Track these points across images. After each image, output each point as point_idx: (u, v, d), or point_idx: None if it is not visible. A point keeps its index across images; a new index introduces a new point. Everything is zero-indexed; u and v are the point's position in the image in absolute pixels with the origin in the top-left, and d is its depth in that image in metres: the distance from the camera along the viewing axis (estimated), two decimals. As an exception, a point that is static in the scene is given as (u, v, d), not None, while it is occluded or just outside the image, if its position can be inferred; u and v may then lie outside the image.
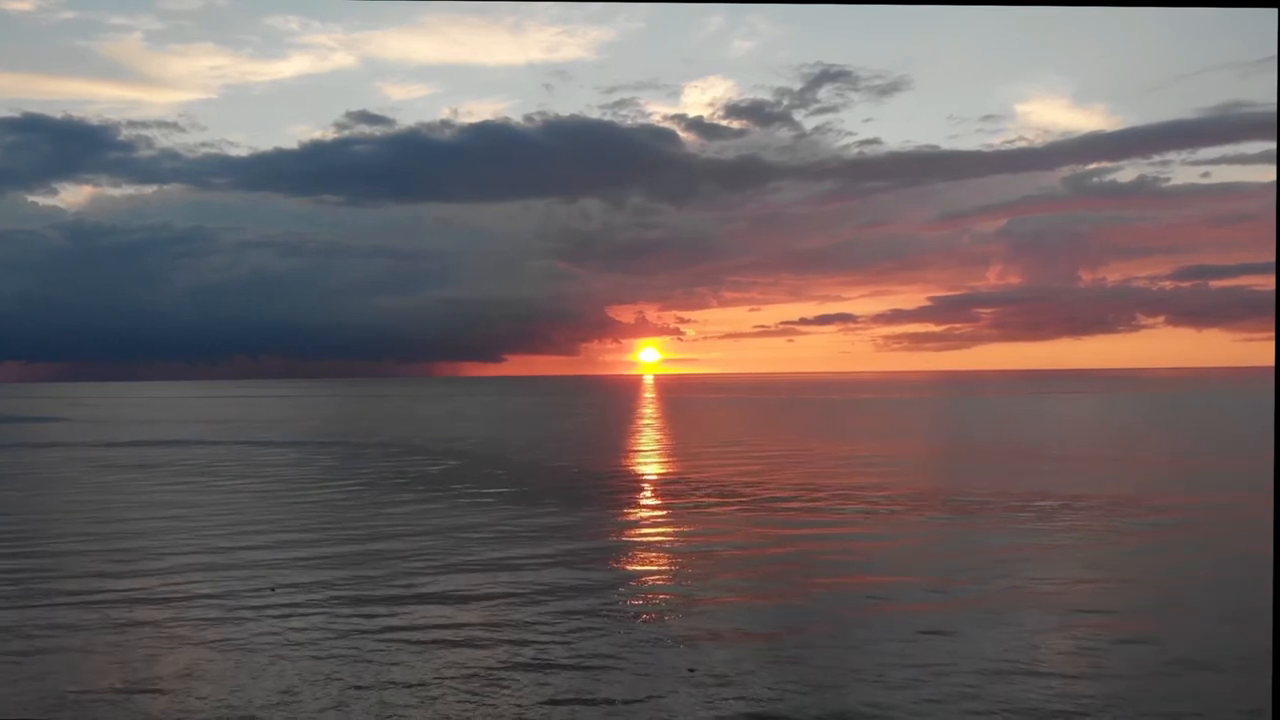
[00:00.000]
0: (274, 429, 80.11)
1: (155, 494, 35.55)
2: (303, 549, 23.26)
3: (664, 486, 36.33)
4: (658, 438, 64.11)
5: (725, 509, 29.54)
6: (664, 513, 29.59)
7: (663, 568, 21.18)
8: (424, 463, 46.16)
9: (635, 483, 37.45)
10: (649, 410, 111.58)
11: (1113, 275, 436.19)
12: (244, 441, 65.33)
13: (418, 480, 38.56)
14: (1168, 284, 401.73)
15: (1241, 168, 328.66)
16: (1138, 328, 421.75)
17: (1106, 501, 29.98)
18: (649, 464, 45.84)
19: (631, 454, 51.72)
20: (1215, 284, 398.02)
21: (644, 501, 32.19)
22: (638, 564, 21.56)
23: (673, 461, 47.05)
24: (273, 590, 19.44)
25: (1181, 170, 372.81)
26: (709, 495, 32.67)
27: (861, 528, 25.80)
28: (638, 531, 26.03)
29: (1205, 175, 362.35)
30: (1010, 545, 23.04)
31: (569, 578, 19.57)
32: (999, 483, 34.49)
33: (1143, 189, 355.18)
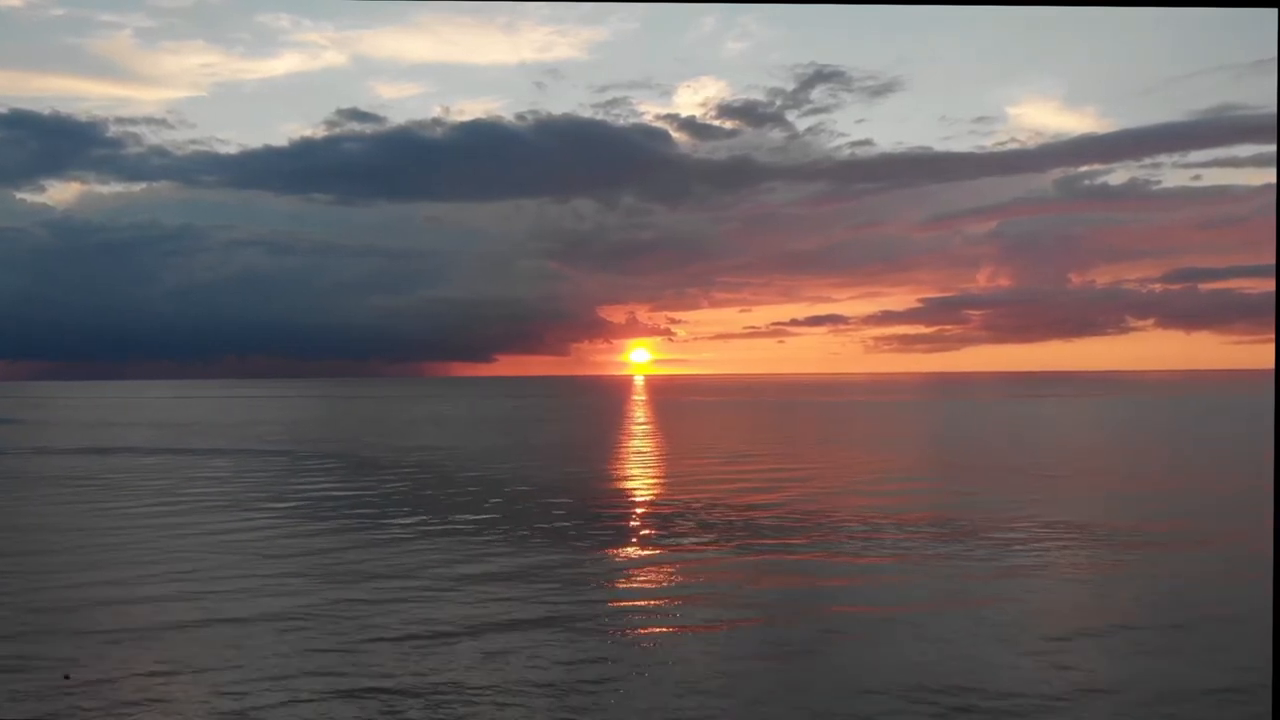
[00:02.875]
0: (229, 434, 73.54)
1: (21, 524, 29.01)
2: (124, 648, 16.75)
3: (646, 519, 29.82)
4: (645, 449, 57.58)
5: (723, 557, 23.06)
6: (640, 570, 23.05)
7: (613, 698, 14.73)
8: (368, 480, 39.63)
9: (613, 513, 30.89)
10: (638, 415, 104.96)
11: (1103, 277, 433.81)
12: (187, 449, 58.99)
13: (350, 506, 32.04)
14: (1157, 286, 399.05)
15: (1233, 170, 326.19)
16: (1127, 330, 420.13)
17: (1195, 544, 23.62)
18: (633, 485, 39.34)
19: (614, 471, 45.25)
20: (1205, 287, 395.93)
21: (617, 544, 25.59)
22: (576, 699, 15.07)
23: (661, 481, 40.58)
24: (66, 678, 13.62)
25: (1172, 173, 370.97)
26: (703, 533, 26.15)
27: (908, 605, 19.36)
28: (594, 610, 19.55)
29: (1196, 178, 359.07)
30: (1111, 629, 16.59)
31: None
32: (1048, 510, 28.02)
33: (1133, 191, 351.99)
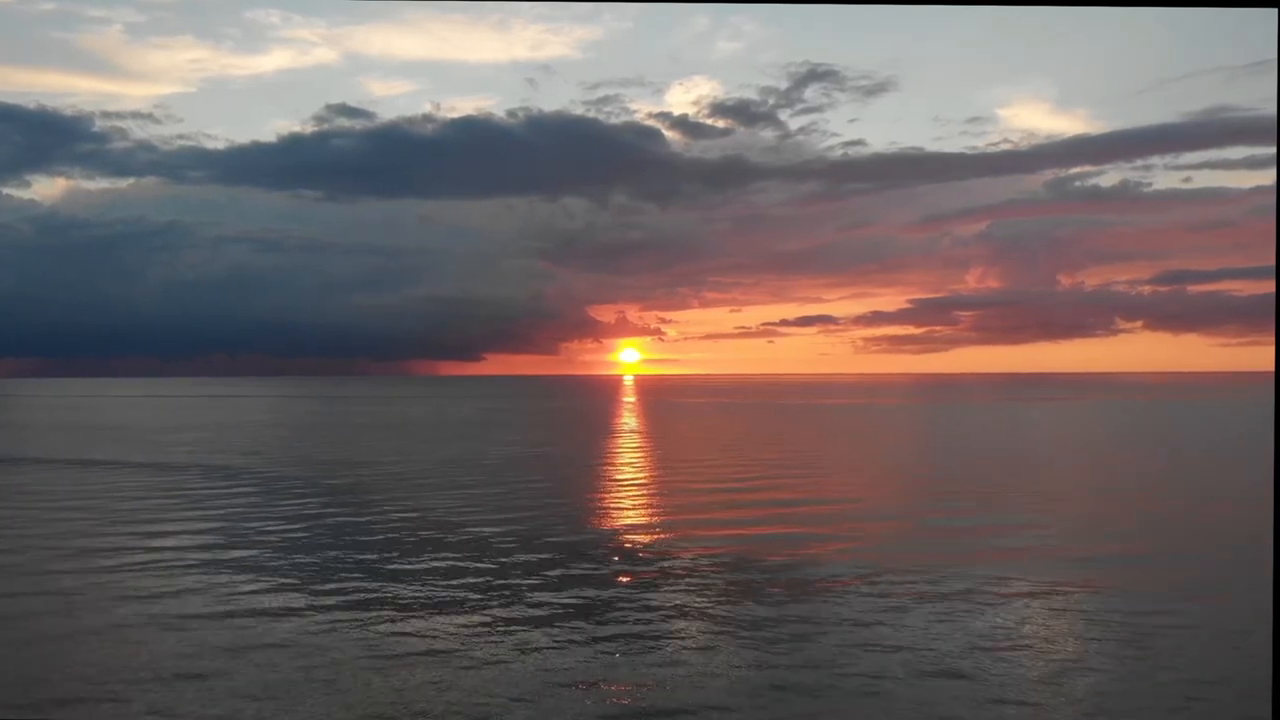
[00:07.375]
0: (151, 441, 64.17)
1: None
2: None
3: (614, 583, 20.58)
4: (625, 470, 48.35)
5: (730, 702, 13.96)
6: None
7: None
8: (256, 516, 30.40)
9: (567, 572, 21.64)
10: (623, 422, 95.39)
11: (1092, 279, 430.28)
12: (85, 460, 50.05)
13: (217, 567, 22.84)
14: (1147, 289, 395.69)
15: (1224, 172, 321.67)
16: (1116, 332, 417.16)
17: None
18: (603, 524, 30.22)
19: (579, 505, 36.09)
20: (1194, 289, 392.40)
21: (565, 642, 16.37)
22: None
23: (643, 523, 31.45)
24: None
25: (1164, 175, 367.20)
26: (703, 615, 17.05)
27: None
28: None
29: (1187, 180, 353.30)
30: None
31: None
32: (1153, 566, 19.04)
33: (1124, 193, 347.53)
